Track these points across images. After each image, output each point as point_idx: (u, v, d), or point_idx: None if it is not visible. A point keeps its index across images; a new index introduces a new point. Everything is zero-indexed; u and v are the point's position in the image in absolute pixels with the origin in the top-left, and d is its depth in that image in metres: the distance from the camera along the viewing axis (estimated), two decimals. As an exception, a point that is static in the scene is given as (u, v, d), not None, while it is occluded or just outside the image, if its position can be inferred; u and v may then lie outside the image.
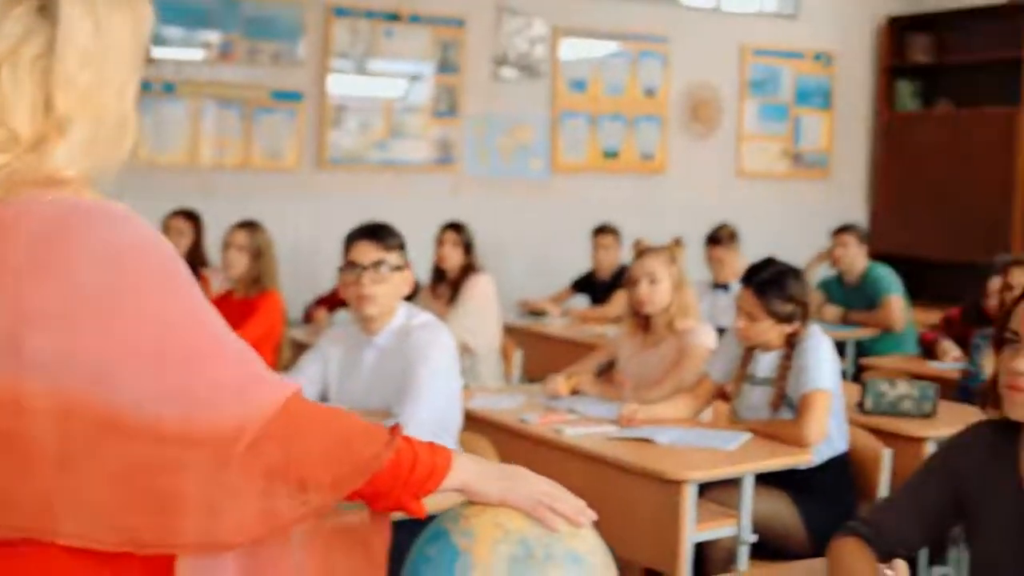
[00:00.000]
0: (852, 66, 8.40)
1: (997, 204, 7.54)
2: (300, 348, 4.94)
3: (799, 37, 8.18)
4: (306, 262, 6.56)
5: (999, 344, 2.07)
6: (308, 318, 6.12)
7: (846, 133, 8.44)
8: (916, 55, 8.30)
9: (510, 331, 6.04)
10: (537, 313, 6.66)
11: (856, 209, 8.38)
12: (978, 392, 4.25)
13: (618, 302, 6.61)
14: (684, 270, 4.18)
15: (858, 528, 2.22)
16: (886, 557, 2.16)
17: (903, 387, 3.99)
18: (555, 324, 6.45)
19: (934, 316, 6.49)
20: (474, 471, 1.53)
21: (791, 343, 3.70)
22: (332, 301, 5.93)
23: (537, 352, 5.89)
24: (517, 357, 5.63)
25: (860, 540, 2.20)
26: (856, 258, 6.49)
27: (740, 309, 3.72)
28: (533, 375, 5.31)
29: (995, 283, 4.99)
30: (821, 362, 3.60)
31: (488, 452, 3.42)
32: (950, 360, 5.05)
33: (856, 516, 2.14)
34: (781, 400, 3.67)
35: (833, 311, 6.38)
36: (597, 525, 1.58)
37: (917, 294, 6.74)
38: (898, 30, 8.40)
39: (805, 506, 3.56)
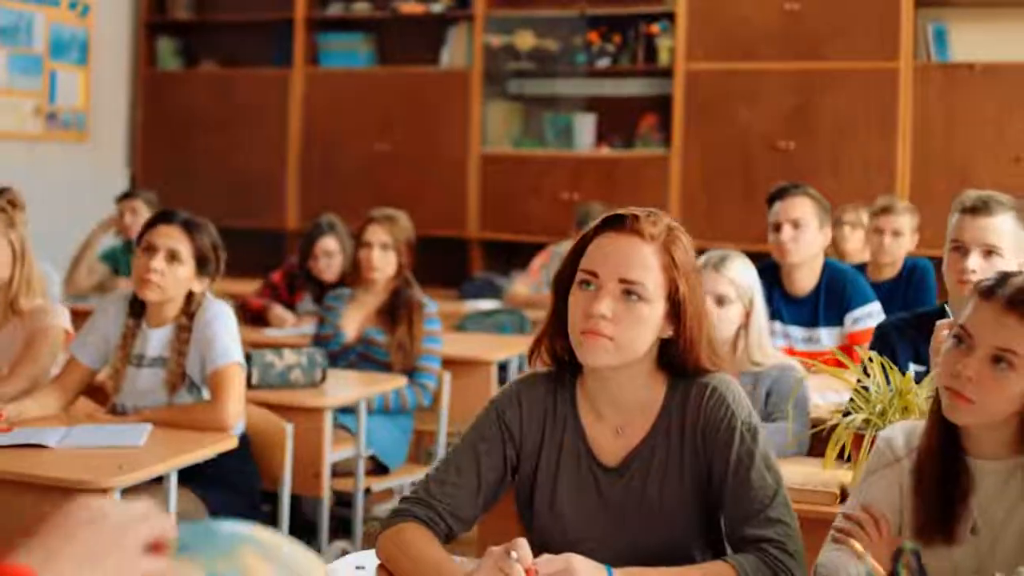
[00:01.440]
0: (111, 19, 7.77)
1: (273, 167, 7.46)
2: None
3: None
4: None
5: (562, 285, 1.94)
6: None
7: (106, 92, 7.80)
8: (178, 12, 7.91)
9: None
10: None
11: (118, 174, 7.82)
12: (338, 354, 4.19)
13: None
14: (26, 237, 3.47)
15: (412, 511, 1.97)
16: (448, 535, 1.98)
17: (290, 357, 3.73)
18: None
19: (235, 286, 6.25)
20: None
21: (190, 313, 3.24)
22: None
23: None
24: None
25: (418, 524, 1.95)
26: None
27: (159, 249, 3.16)
28: None
29: (328, 243, 4.92)
30: (229, 333, 3.23)
31: None
32: (290, 326, 4.87)
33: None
34: (182, 380, 3.21)
35: (127, 282, 5.86)
36: None
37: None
38: (159, -16, 7.91)
39: (210, 499, 3.19)
